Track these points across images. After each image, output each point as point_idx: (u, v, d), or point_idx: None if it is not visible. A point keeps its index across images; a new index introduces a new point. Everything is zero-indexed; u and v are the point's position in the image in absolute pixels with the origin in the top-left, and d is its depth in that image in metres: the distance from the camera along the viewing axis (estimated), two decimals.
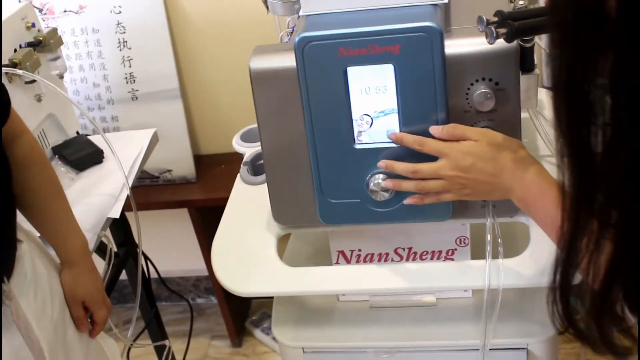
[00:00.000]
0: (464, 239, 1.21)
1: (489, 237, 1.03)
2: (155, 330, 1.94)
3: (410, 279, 1.09)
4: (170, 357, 1.85)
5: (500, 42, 0.96)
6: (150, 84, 1.97)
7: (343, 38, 0.99)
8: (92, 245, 1.33)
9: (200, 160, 2.09)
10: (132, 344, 1.70)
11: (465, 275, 1.07)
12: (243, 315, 2.32)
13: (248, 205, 1.27)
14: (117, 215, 1.41)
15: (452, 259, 1.23)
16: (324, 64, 1.00)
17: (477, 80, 0.99)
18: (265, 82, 1.05)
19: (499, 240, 1.04)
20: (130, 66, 1.96)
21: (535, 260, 1.06)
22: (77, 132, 1.74)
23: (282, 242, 1.28)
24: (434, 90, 0.99)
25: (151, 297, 1.89)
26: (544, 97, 1.31)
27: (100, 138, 1.68)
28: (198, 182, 2.04)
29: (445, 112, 1.01)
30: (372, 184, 1.04)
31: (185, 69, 2.00)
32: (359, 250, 1.25)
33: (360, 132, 1.04)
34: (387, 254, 1.25)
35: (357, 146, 1.05)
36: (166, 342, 1.78)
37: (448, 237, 1.21)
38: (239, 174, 1.32)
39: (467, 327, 1.20)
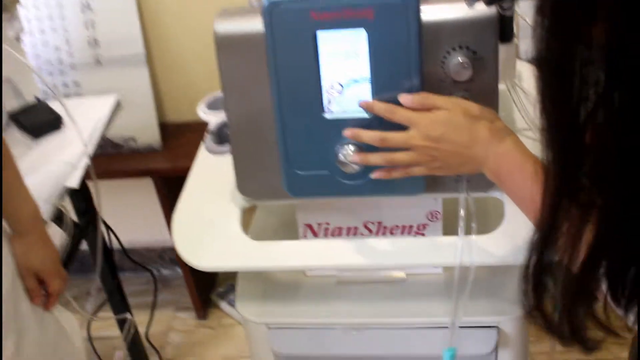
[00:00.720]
0: (436, 214, 1.17)
1: (462, 212, 0.99)
2: (118, 302, 1.89)
3: (380, 255, 1.05)
4: (131, 330, 1.80)
5: (479, 10, 0.91)
6: (115, 48, 1.90)
7: (315, 1, 0.93)
8: (47, 215, 1.27)
9: (167, 128, 2.02)
10: (92, 318, 1.65)
11: (436, 252, 1.04)
12: (209, 287, 2.28)
13: (212, 175, 1.21)
14: (75, 184, 1.34)
15: (423, 234, 1.20)
16: (293, 29, 0.95)
17: (453, 49, 0.95)
18: (231, 48, 0.99)
19: (473, 216, 1.00)
20: (93, 29, 1.89)
21: (509, 237, 1.02)
22: (37, 98, 1.67)
23: (248, 215, 1.23)
24: (408, 58, 0.95)
25: (113, 268, 1.83)
26: (522, 69, 1.27)
27: (64, 102, 1.61)
28: (164, 150, 1.98)
29: (420, 81, 0.96)
30: (341, 155, 0.99)
31: (152, 33, 1.93)
32: (327, 223, 1.21)
33: (330, 101, 0.99)
34: (356, 228, 1.21)
35: (327, 115, 1.00)
36: (127, 315, 1.73)
37: (419, 212, 1.17)
38: (202, 143, 1.27)
39: (437, 304, 1.17)
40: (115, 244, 1.77)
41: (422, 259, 1.05)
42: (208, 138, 1.26)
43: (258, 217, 1.39)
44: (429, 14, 0.94)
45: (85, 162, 1.39)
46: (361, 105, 0.97)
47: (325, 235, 1.22)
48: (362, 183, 1.02)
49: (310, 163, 1.03)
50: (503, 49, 0.97)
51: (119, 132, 1.97)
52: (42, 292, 1.19)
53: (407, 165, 0.95)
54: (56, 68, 1.94)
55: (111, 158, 1.99)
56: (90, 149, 1.44)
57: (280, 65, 0.97)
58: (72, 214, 1.60)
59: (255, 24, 0.97)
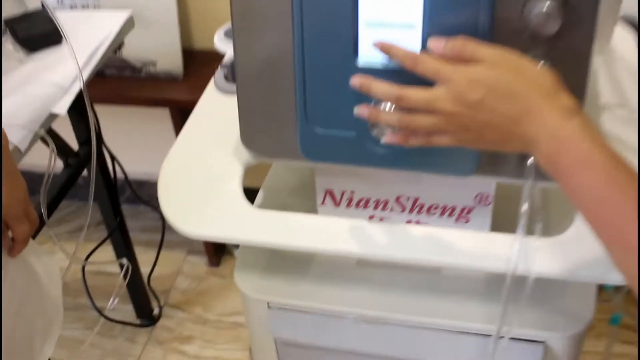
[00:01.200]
0: (486, 197, 0.95)
1: (524, 206, 0.76)
2: (119, 242, 1.71)
3: (411, 248, 0.84)
4: (129, 276, 1.62)
5: None
6: None
7: None
8: (24, 144, 1.07)
9: (191, 55, 1.80)
10: (85, 263, 1.47)
11: (485, 253, 0.81)
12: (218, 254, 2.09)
13: (216, 120, 0.99)
14: (62, 111, 1.14)
15: (468, 220, 0.97)
16: None
17: None
18: None
19: (538, 213, 0.76)
20: None
21: (579, 243, 0.79)
22: (43, 5, 1.46)
23: (264, 168, 1.02)
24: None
25: (116, 204, 1.65)
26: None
27: (69, 16, 1.40)
28: (185, 79, 1.76)
29: (488, 30, 0.72)
30: None
31: None
32: (352, 192, 0.99)
33: (366, 44, 0.76)
34: (386, 202, 0.99)
35: (361, 63, 0.77)
36: (124, 261, 1.55)
37: (466, 192, 0.94)
38: (212, 78, 1.05)
39: (476, 304, 0.96)
40: (122, 176, 1.59)
41: (465, 260, 0.82)
42: (219, 72, 1.04)
43: (274, 172, 1.18)
44: None
45: (78, 86, 1.17)
46: (376, 45, 0.73)
47: (348, 206, 1.00)
48: (397, 152, 0.80)
49: (333, 120, 0.80)
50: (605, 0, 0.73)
51: (139, 54, 1.75)
52: (7, 237, 1.00)
53: (429, 133, 0.72)
54: None
55: (126, 81, 1.79)
56: (89, 71, 1.22)
57: None
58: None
59: None
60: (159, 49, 1.75)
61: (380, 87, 0.72)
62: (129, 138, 2.00)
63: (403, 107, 0.71)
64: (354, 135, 0.80)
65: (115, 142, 1.69)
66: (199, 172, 0.92)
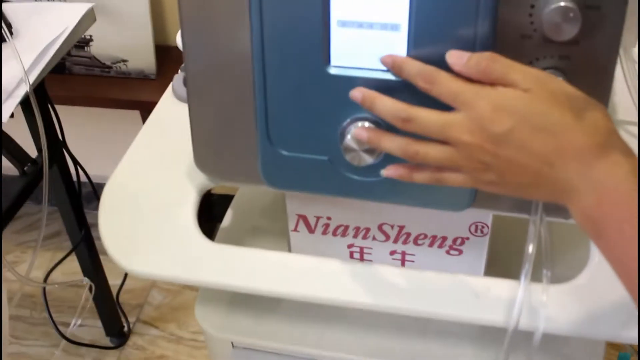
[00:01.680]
0: (482, 227, 0.81)
1: (530, 248, 0.62)
2: (85, 255, 1.57)
3: (394, 296, 0.70)
4: (93, 292, 1.48)
5: None
6: None
7: None
8: None
9: (165, 52, 1.66)
10: (43, 284, 1.34)
11: (481, 303, 0.68)
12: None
13: (172, 132, 0.85)
14: (4, 118, 1.00)
15: (461, 251, 0.84)
16: None
17: None
18: None
19: (546, 256, 0.63)
20: None
21: (594, 292, 0.66)
22: None
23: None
24: None
25: (80, 214, 1.51)
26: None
27: (22, 7, 1.27)
28: (158, 79, 1.62)
29: (490, 35, 0.58)
30: (349, 135, 0.63)
31: None
32: (328, 218, 0.85)
33: (340, 48, 0.62)
34: (368, 230, 0.85)
35: (333, 70, 0.63)
36: (85, 281, 1.41)
37: (459, 221, 0.81)
38: (170, 84, 0.91)
39: (469, 351, 0.82)
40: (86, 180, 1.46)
41: (458, 312, 0.68)
42: (178, 77, 0.90)
43: (244, 188, 1.04)
44: None
45: (24, 89, 1.04)
46: (384, 62, 0.59)
47: (325, 233, 0.87)
48: (377, 183, 0.66)
49: (301, 142, 0.66)
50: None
51: (109, 51, 1.62)
52: None
53: (440, 168, 0.59)
54: None
55: (95, 80, 1.65)
56: (38, 70, 1.09)
57: None
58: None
59: None
60: (130, 45, 1.61)
61: (385, 103, 0.58)
62: (96, 142, 1.86)
63: (410, 131, 0.57)
64: (327, 160, 0.66)
65: (82, 146, 1.55)
66: (148, 196, 0.79)
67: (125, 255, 0.74)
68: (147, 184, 0.80)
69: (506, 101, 0.53)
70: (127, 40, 1.60)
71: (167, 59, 1.65)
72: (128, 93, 1.61)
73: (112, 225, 0.76)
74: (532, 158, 0.53)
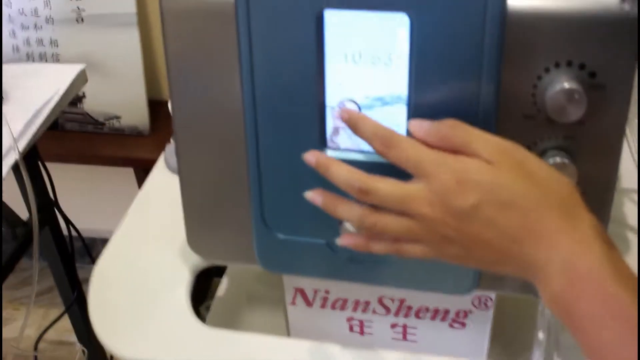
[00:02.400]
0: (486, 300, 0.78)
1: (540, 334, 0.59)
2: (78, 317, 1.54)
3: None
4: (85, 357, 1.44)
5: (610, 3, 0.52)
6: (101, 4, 1.52)
7: None
8: None
9: (158, 107, 1.64)
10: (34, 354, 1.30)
11: None
12: (198, 298, 1.91)
13: (164, 206, 0.83)
14: None
15: (465, 324, 0.81)
16: (283, 1, 0.55)
17: (557, 65, 0.55)
18: (185, 24, 0.60)
19: (555, 346, 0.60)
20: None
21: None
22: None
23: None
24: (477, 70, 0.55)
25: (72, 274, 1.47)
26: None
27: (14, 69, 1.25)
28: (151, 135, 1.60)
29: (493, 112, 0.56)
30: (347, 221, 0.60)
31: None
32: (326, 292, 0.82)
33: (337, 128, 0.60)
34: (368, 303, 0.82)
35: (331, 152, 0.61)
36: (77, 345, 1.37)
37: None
38: (162, 154, 0.88)
39: None
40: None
41: None
42: (169, 147, 0.88)
43: None
44: None
45: (13, 157, 1.01)
46: (340, 116, 0.56)
47: (323, 307, 0.84)
48: (377, 266, 0.63)
49: (298, 225, 0.63)
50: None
51: (102, 107, 1.60)
52: None
53: (399, 238, 0.55)
54: (30, 21, 1.57)
55: (87, 137, 1.63)
56: (29, 136, 1.06)
57: (258, 62, 0.58)
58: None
59: None
60: (123, 102, 1.60)
61: (340, 172, 0.54)
62: (89, 198, 1.84)
63: (368, 202, 0.54)
64: (324, 245, 0.63)
65: (75, 203, 1.53)
66: (139, 276, 0.76)
67: (115, 339, 0.71)
68: (139, 262, 0.77)
69: (470, 174, 0.50)
70: (120, 97, 1.58)
71: (161, 114, 1.63)
72: (121, 150, 1.59)
73: (101, 305, 0.73)
74: (498, 235, 0.50)
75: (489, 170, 0.50)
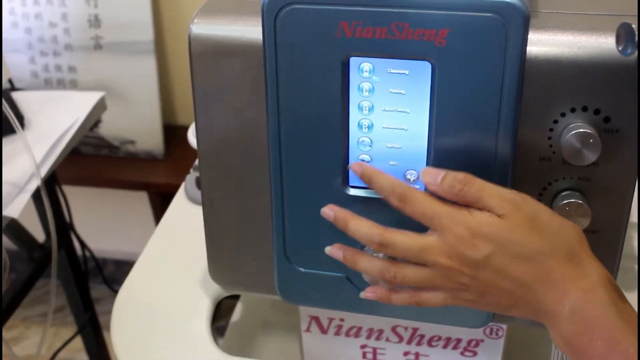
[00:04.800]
0: (497, 330, 0.80)
1: None
2: (90, 338, 1.55)
3: None
4: None
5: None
6: (119, 32, 1.56)
7: (348, 5, 0.56)
8: None
9: (173, 132, 1.67)
10: None
11: None
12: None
13: (185, 237, 0.85)
14: (15, 214, 1.00)
15: (476, 353, 0.83)
16: (309, 45, 0.58)
17: (572, 110, 0.57)
18: (213, 61, 0.63)
19: None
20: (96, 6, 1.54)
21: None
22: (11, 83, 1.34)
23: None
24: (496, 116, 0.57)
25: (86, 297, 1.49)
26: None
27: (36, 96, 1.28)
28: (165, 159, 1.63)
29: (510, 156, 0.58)
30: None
31: (165, 17, 1.58)
32: (341, 320, 0.84)
33: None
34: (381, 332, 0.84)
35: (352, 192, 0.63)
36: None
37: None
38: (183, 184, 0.91)
39: None
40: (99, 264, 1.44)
41: None
42: (190, 177, 0.90)
43: None
44: (539, 45, 0.56)
45: (35, 183, 1.04)
46: (352, 169, 0.59)
47: (337, 334, 0.85)
48: None
49: (318, 259, 0.65)
50: None
51: (117, 132, 1.63)
52: None
53: (419, 288, 0.58)
54: (49, 47, 1.60)
55: (103, 161, 1.65)
56: (49, 163, 1.09)
57: (283, 103, 0.60)
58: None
59: (251, 29, 0.60)
60: (138, 127, 1.62)
61: (359, 226, 0.57)
62: (104, 222, 1.85)
63: (385, 252, 0.57)
64: (344, 278, 0.65)
65: (90, 226, 1.55)
66: (161, 305, 0.78)
67: None
68: (161, 292, 0.79)
69: (483, 228, 0.53)
70: (135, 122, 1.61)
71: (176, 138, 1.66)
72: (136, 174, 1.61)
73: (124, 335, 0.75)
74: (511, 283, 0.54)
75: (501, 224, 0.53)
